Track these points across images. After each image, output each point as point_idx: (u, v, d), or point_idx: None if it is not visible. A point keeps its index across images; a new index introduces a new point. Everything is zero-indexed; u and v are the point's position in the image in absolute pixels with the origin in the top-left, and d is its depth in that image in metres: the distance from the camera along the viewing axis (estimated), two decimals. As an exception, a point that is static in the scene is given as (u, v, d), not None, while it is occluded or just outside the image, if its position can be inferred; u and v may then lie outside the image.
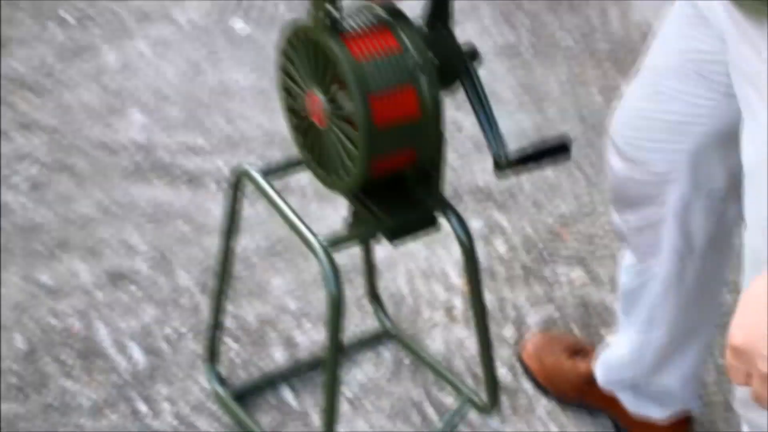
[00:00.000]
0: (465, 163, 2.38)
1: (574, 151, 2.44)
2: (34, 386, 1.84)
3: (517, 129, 2.49)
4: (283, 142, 2.35)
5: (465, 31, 2.76)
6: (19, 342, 1.91)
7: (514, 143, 2.44)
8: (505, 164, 1.39)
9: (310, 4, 1.29)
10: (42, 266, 2.05)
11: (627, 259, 1.68)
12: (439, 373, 1.91)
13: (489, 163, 2.32)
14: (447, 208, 1.46)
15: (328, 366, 1.47)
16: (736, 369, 0.92)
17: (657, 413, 1.78)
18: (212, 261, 2.07)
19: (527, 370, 1.92)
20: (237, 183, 1.58)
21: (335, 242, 1.44)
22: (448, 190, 2.29)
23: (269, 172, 1.52)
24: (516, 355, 1.95)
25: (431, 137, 1.37)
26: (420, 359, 1.94)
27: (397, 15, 1.36)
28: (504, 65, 2.68)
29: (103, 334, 1.93)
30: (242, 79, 2.53)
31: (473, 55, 1.42)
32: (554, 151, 1.46)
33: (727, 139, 1.39)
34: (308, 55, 1.35)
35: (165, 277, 2.04)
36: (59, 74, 2.49)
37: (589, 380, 1.84)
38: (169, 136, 2.36)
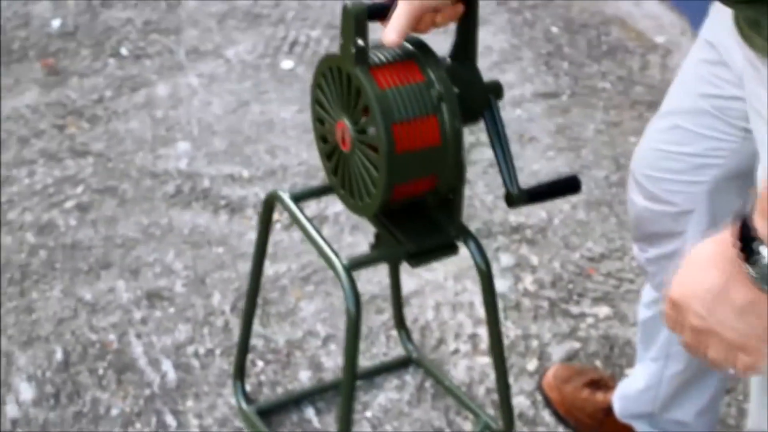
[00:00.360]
0: (498, 200, 2.43)
1: (607, 191, 2.52)
2: (68, 395, 1.92)
3: (552, 170, 2.54)
4: (321, 174, 2.43)
5: (506, 75, 2.84)
6: (58, 353, 2.00)
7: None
8: (517, 199, 1.45)
9: (342, 39, 1.37)
10: (84, 283, 2.14)
11: (646, 291, 1.73)
12: (459, 398, 1.95)
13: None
14: (466, 235, 1.52)
15: (344, 382, 1.53)
16: (672, 319, 1.03)
17: None
18: (246, 285, 2.15)
19: (547, 400, 1.96)
20: (269, 206, 1.65)
21: (356, 263, 1.50)
22: (480, 226, 2.35)
23: (300, 197, 1.59)
24: (537, 384, 1.99)
25: (451, 165, 1.42)
26: (441, 385, 1.98)
27: (423, 48, 1.43)
28: (542, 108, 2.74)
29: (137, 349, 2.01)
30: (286, 114, 2.63)
31: (497, 90, 1.47)
32: (565, 187, 1.52)
33: (745, 174, 1.43)
34: (339, 85, 1.42)
35: (200, 297, 2.12)
36: (112, 104, 2.61)
37: (608, 412, 1.87)
38: (213, 165, 2.45)
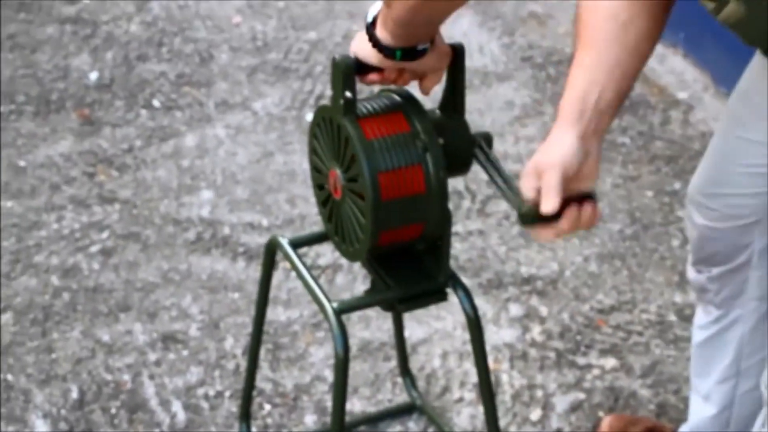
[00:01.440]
0: (511, 251, 2.48)
1: (621, 245, 2.55)
2: (81, 433, 2.00)
3: (566, 223, 2.58)
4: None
5: (527, 129, 2.89)
6: (74, 392, 2.07)
7: (565, 237, 2.54)
8: (527, 212, 1.35)
9: (332, 90, 1.45)
10: (102, 325, 2.22)
11: (700, 316, 1.75)
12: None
13: (534, 253, 2.45)
14: (455, 281, 1.57)
15: (332, 426, 1.57)
16: (527, 184, 1.29)
17: None
18: (258, 329, 2.21)
19: None
20: (270, 251, 1.72)
21: (346, 308, 1.56)
22: (491, 276, 2.40)
23: (298, 244, 1.66)
24: None
25: (436, 213, 1.48)
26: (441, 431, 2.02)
27: (410, 100, 1.50)
28: (560, 162, 2.79)
29: (149, 390, 2.08)
30: (308, 165, 2.70)
31: (488, 139, 1.54)
32: (580, 198, 1.53)
33: None
34: (330, 135, 1.49)
35: (213, 341, 2.19)
36: (141, 154, 2.71)
37: None
38: (234, 213, 2.53)
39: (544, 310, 2.33)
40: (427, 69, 1.47)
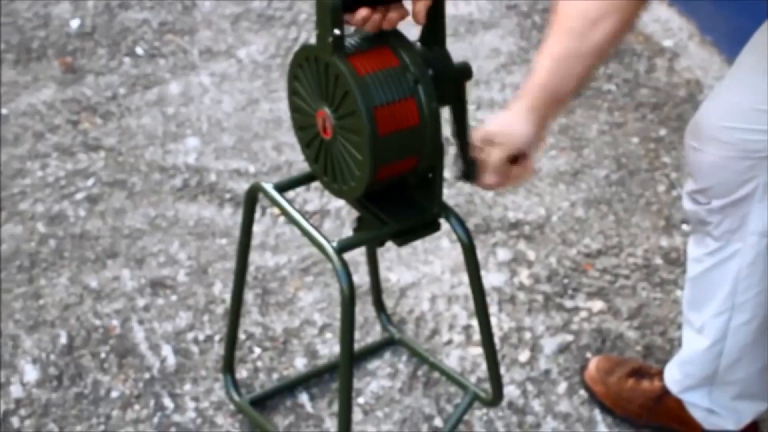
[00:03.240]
0: (498, 196, 2.48)
1: (607, 190, 2.55)
2: (70, 377, 1.99)
3: (552, 169, 2.58)
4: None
5: (514, 76, 2.88)
6: (63, 338, 2.07)
7: (548, 182, 2.54)
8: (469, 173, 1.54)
9: (317, 28, 1.43)
10: (90, 272, 2.21)
11: (695, 248, 1.76)
12: (447, 374, 1.99)
13: (521, 198, 2.46)
14: (447, 211, 1.57)
15: (341, 362, 1.56)
16: (480, 149, 1.47)
17: (730, 425, 1.84)
18: (247, 275, 2.21)
19: (591, 393, 2.00)
20: (252, 198, 1.71)
21: (346, 245, 1.56)
22: (479, 222, 2.40)
23: (283, 188, 1.65)
24: (579, 381, 2.03)
25: (430, 145, 1.48)
26: (426, 362, 2.03)
27: (395, 34, 1.49)
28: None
29: (139, 335, 2.08)
30: (294, 113, 2.69)
31: (466, 72, 1.53)
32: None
33: None
34: (317, 75, 1.48)
35: (201, 286, 2.19)
36: (125, 101, 2.68)
37: (657, 399, 1.91)
38: (220, 160, 2.52)
39: (531, 255, 2.34)
40: None
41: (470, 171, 1.53)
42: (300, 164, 2.52)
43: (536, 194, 2.51)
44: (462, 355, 2.09)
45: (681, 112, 2.81)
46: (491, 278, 2.27)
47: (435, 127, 1.47)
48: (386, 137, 1.44)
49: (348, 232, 2.34)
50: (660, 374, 1.96)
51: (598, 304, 2.24)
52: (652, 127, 2.76)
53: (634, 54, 3.02)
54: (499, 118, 1.47)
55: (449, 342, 2.13)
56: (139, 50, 2.87)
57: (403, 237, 1.57)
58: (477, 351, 2.10)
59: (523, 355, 2.11)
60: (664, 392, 1.92)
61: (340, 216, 2.37)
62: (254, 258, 2.25)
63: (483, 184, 1.52)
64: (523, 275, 2.29)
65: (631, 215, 2.47)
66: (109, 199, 2.39)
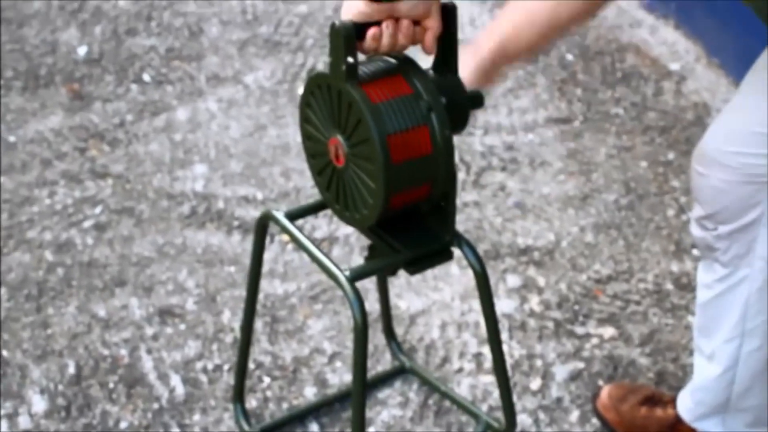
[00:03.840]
0: (507, 222, 2.47)
1: (616, 215, 2.54)
2: (79, 408, 1.97)
3: (562, 193, 2.57)
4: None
5: (520, 101, 2.88)
6: (71, 367, 2.06)
7: (557, 207, 2.53)
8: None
9: (330, 55, 1.42)
10: (98, 300, 2.20)
11: (704, 275, 1.75)
12: (458, 403, 1.98)
13: (530, 223, 2.45)
14: (460, 239, 1.56)
15: (354, 391, 1.54)
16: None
17: None
18: (256, 303, 2.20)
19: (604, 422, 1.98)
20: (262, 226, 1.70)
21: (359, 274, 1.54)
22: (488, 248, 2.39)
23: (295, 216, 1.64)
24: (592, 408, 2.01)
25: (443, 173, 1.47)
26: (438, 392, 2.01)
27: (408, 62, 1.49)
28: (554, 133, 2.78)
29: (147, 364, 2.06)
30: (299, 138, 2.68)
31: (479, 100, 1.53)
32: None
33: None
34: (330, 102, 1.48)
35: (210, 315, 2.17)
36: (133, 128, 2.68)
37: (671, 426, 1.89)
38: (228, 187, 2.51)
39: (541, 281, 2.33)
40: (417, 12, 1.43)
41: None
42: (308, 190, 2.51)
43: (545, 219, 2.50)
44: (473, 383, 2.08)
45: (689, 136, 2.80)
46: (502, 305, 2.25)
47: (448, 155, 1.47)
48: (399, 165, 1.44)
49: (357, 259, 2.33)
50: (673, 402, 1.94)
51: (609, 331, 2.22)
52: (660, 150, 2.75)
53: (642, 77, 3.02)
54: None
55: (460, 370, 2.11)
56: (146, 77, 2.87)
57: (416, 265, 1.56)
58: (488, 379, 2.09)
59: (535, 383, 2.09)
60: (678, 420, 1.90)
61: (348, 243, 2.36)
62: (263, 286, 2.24)
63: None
64: (534, 302, 2.28)
65: (641, 240, 2.46)
66: (117, 227, 2.38)
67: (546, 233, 2.46)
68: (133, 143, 2.63)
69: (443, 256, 1.57)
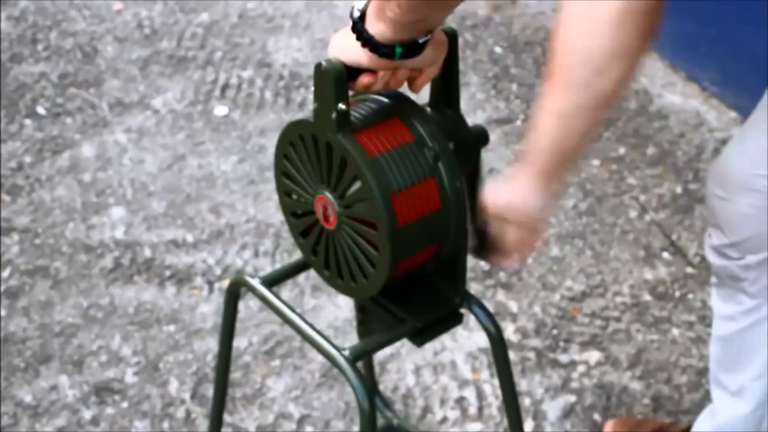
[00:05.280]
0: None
1: (578, 222, 2.36)
2: None
3: (517, 204, 2.38)
4: (275, 233, 2.23)
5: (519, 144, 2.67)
6: (0, 469, 1.76)
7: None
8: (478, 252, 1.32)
9: (316, 101, 1.18)
10: (22, 383, 1.90)
11: (724, 305, 1.59)
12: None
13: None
14: (470, 300, 1.35)
15: None
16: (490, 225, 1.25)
17: None
18: (206, 367, 1.94)
19: None
20: (234, 294, 1.44)
21: (360, 354, 1.31)
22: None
23: (273, 281, 1.39)
24: None
25: (455, 229, 1.26)
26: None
27: (401, 101, 1.26)
28: (497, 136, 2.58)
29: (91, 455, 1.79)
30: (226, 167, 2.41)
31: (484, 138, 1.32)
32: None
33: None
34: (316, 155, 1.23)
35: (155, 387, 1.90)
36: (34, 171, 2.36)
37: None
38: (153, 231, 2.23)
39: (513, 306, 2.13)
40: (425, 64, 1.22)
41: (484, 246, 1.30)
42: (246, 229, 2.24)
43: (505, 235, 2.29)
44: (461, 434, 1.87)
45: (637, 127, 2.64)
46: (476, 338, 2.04)
47: (459, 208, 1.24)
48: (406, 227, 1.20)
49: (309, 301, 2.09)
50: None
51: (594, 355, 2.04)
52: (610, 146, 2.58)
53: (576, 67, 2.84)
54: (506, 190, 1.24)
55: (444, 420, 1.89)
56: (40, 109, 2.54)
57: (424, 335, 1.33)
58: (476, 428, 1.88)
59: (527, 425, 1.89)
60: None
61: (297, 283, 2.11)
62: (209, 345, 1.98)
63: (500, 263, 1.30)
64: (509, 330, 2.08)
65: (609, 248, 2.29)
66: (32, 291, 2.07)
67: (508, 251, 2.26)
68: (36, 189, 2.31)
69: (453, 320, 1.35)
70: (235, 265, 2.14)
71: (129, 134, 2.48)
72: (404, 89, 1.26)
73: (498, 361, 1.40)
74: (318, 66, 1.19)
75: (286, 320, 1.35)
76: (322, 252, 1.30)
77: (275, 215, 2.28)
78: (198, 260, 2.15)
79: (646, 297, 2.17)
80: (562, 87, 1.16)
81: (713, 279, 1.59)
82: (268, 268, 2.14)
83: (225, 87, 2.65)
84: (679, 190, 2.45)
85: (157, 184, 2.34)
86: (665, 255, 2.27)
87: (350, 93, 1.24)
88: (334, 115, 1.18)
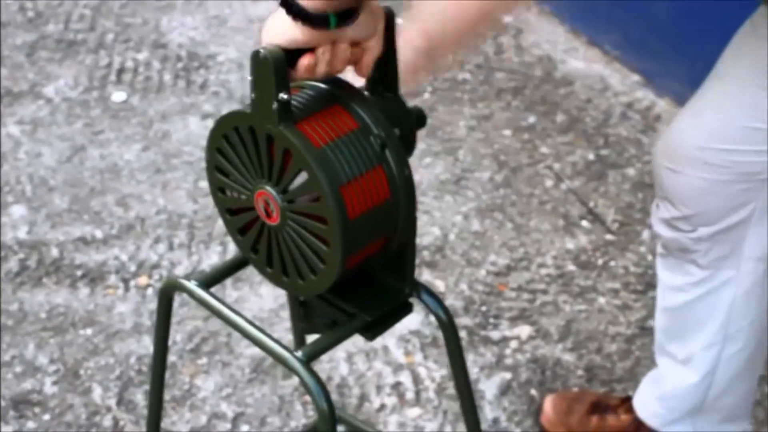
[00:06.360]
0: (386, 222, 2.21)
1: (496, 194, 2.34)
2: None
3: (434, 178, 2.34)
4: (189, 224, 2.13)
5: (360, 80, 2.60)
6: None
7: (432, 195, 2.30)
8: None
9: (254, 91, 1.10)
10: (-70, 401, 1.78)
11: (672, 276, 1.57)
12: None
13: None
14: (419, 288, 1.30)
15: None
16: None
17: None
18: (129, 370, 1.84)
19: None
20: (167, 298, 1.35)
21: (314, 354, 1.25)
22: (373, 255, 2.12)
23: (211, 282, 1.31)
24: (534, 424, 1.82)
25: (405, 219, 1.20)
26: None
27: (341, 86, 1.19)
28: (408, 111, 2.53)
29: (13, 474, 1.68)
30: (129, 156, 2.30)
31: (423, 119, 1.27)
32: None
33: None
34: (255, 148, 1.16)
35: (77, 395, 1.80)
36: None
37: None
38: (58, 229, 2.10)
39: (440, 284, 2.09)
40: (363, 35, 1.16)
41: None
42: (157, 221, 2.14)
43: (424, 212, 2.25)
44: (401, 420, 1.82)
45: (544, 95, 2.63)
46: (406, 321, 1.98)
47: (409, 197, 1.19)
48: (357, 220, 1.14)
49: (231, 293, 2.00)
50: (622, 405, 1.77)
51: (525, 330, 2.02)
52: (519, 115, 2.56)
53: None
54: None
55: (382, 407, 1.85)
56: None
57: (375, 329, 1.28)
58: (415, 412, 1.84)
59: (465, 406, 1.86)
60: (638, 426, 1.73)
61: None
62: (131, 347, 1.88)
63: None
64: (438, 310, 2.03)
65: (528, 219, 2.27)
66: (-68, 302, 1.94)
67: (429, 228, 2.22)
68: (-75, 191, 2.17)
69: (403, 311, 1.30)
70: (150, 261, 2.04)
71: (22, 126, 2.34)
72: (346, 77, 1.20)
73: (450, 348, 1.36)
74: (255, 54, 1.11)
75: (230, 323, 1.28)
76: (263, 249, 1.23)
77: (186, 205, 2.18)
78: (110, 257, 2.04)
79: (570, 267, 2.16)
80: None
81: (659, 249, 1.57)
82: (184, 261, 2.05)
83: (120, 71, 2.53)
84: (591, 156, 2.44)
85: (57, 179, 2.22)
86: (584, 223, 2.26)
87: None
88: (275, 105, 1.11)
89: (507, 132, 2.51)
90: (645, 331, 2.00)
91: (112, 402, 1.79)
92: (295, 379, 1.85)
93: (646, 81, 2.69)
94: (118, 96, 2.46)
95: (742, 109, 1.37)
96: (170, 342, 1.89)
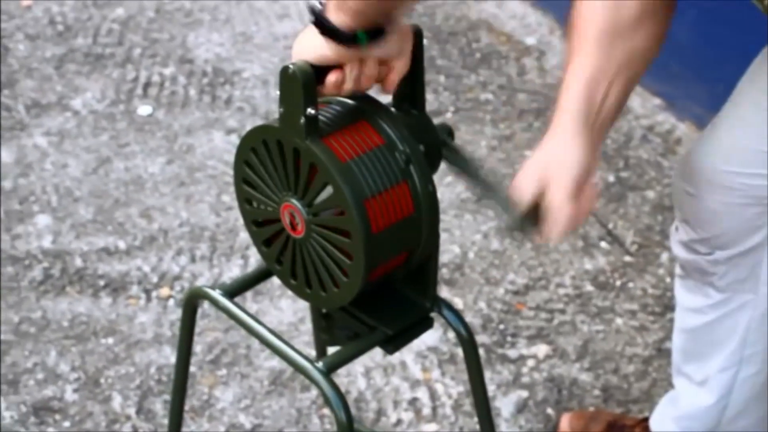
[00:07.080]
0: (406, 240, 2.22)
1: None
2: None
3: (454, 197, 2.35)
4: (211, 237, 2.16)
5: (383, 97, 2.63)
6: (-64, 500, 1.66)
7: (453, 213, 2.32)
8: (523, 225, 1.24)
9: (282, 105, 1.13)
10: (-47, 406, 1.80)
11: (691, 298, 1.57)
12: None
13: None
14: (440, 303, 1.32)
15: None
16: (527, 190, 1.18)
17: None
18: (149, 380, 1.86)
19: None
20: (191, 307, 1.38)
21: (334, 365, 1.26)
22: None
23: (235, 291, 1.33)
24: None
25: (427, 234, 1.22)
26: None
27: (369, 102, 1.22)
28: (429, 130, 2.55)
29: (33, 480, 1.70)
30: (154, 168, 2.33)
31: (449, 133, 1.29)
32: None
33: None
34: (282, 161, 1.18)
35: (97, 403, 1.82)
36: (-52, 179, 2.25)
37: None
38: (82, 239, 2.13)
39: (458, 302, 2.10)
40: (390, 54, 1.18)
41: (526, 222, 1.21)
42: (180, 233, 2.17)
43: (444, 230, 2.27)
44: (417, 436, 1.84)
45: (565, 116, 2.63)
46: (424, 337, 1.99)
47: (432, 213, 1.21)
48: (380, 234, 1.17)
49: (251, 306, 2.02)
50: (638, 425, 1.78)
51: (542, 348, 2.03)
52: (540, 136, 2.56)
53: (501, 56, 2.84)
54: (542, 153, 1.21)
55: (399, 422, 1.86)
56: (-49, 113, 2.42)
57: (396, 342, 1.29)
58: (431, 428, 1.85)
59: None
60: None
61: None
62: (151, 356, 1.90)
63: (551, 234, 1.18)
64: (456, 327, 2.05)
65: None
66: (-43, 308, 1.97)
67: (449, 246, 2.23)
68: (-47, 199, 2.20)
69: (424, 325, 1.32)
70: (172, 272, 2.06)
71: (49, 137, 2.38)
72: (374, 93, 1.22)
73: (469, 363, 1.38)
74: (284, 70, 1.14)
75: (252, 332, 1.30)
76: (288, 261, 1.25)
77: (209, 218, 2.20)
78: (132, 268, 2.07)
79: (588, 287, 2.17)
80: (591, 41, 1.21)
81: (678, 271, 1.58)
82: (206, 273, 2.07)
83: (147, 85, 2.56)
84: (611, 178, 2.46)
85: (82, 189, 2.25)
86: (603, 244, 2.27)
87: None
88: (302, 120, 1.13)
89: (528, 153, 2.52)
90: (662, 352, 2.01)
91: (132, 411, 1.81)
92: (313, 392, 1.87)
93: (667, 104, 2.70)
94: (143, 110, 2.49)
95: (758, 133, 1.38)
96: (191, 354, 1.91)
